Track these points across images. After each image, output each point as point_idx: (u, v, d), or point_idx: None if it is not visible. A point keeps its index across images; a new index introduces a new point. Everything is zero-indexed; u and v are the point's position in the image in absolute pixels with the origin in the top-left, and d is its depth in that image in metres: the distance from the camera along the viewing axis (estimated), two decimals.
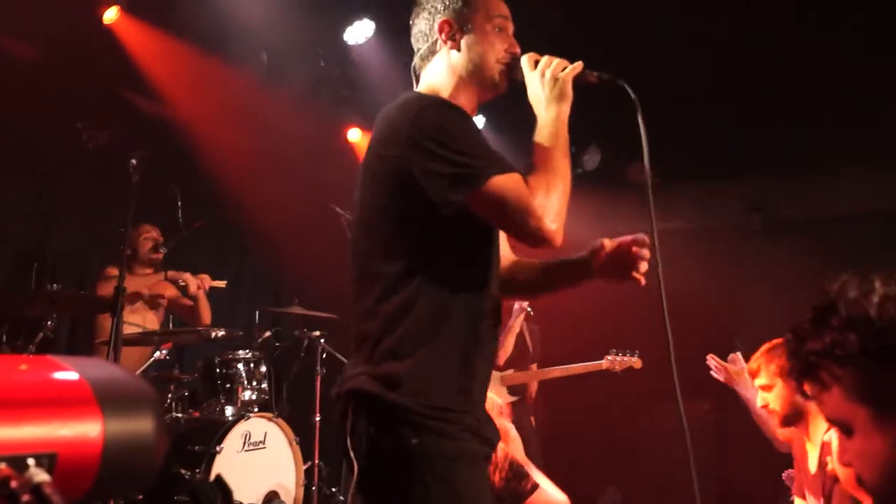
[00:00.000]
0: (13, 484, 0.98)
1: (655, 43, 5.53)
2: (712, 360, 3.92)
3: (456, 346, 2.01)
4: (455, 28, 2.21)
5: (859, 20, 5.29)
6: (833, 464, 2.56)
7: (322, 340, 5.50)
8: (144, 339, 4.76)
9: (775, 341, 3.24)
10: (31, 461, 1.03)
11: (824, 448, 3.00)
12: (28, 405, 1.08)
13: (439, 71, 2.23)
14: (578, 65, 2.16)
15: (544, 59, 2.17)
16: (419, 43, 2.28)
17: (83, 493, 1.13)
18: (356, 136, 7.15)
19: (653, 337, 5.71)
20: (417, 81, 2.31)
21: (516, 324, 5.75)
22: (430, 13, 2.25)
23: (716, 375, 3.91)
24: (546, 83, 2.13)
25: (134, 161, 4.05)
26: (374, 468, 1.97)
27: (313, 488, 5.03)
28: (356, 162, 7.16)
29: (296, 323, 5.93)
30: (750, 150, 6.38)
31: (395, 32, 6.13)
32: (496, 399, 2.20)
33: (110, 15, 5.22)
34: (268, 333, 5.52)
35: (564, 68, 2.15)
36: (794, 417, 3.19)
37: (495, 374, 5.69)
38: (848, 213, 6.74)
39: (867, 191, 6.61)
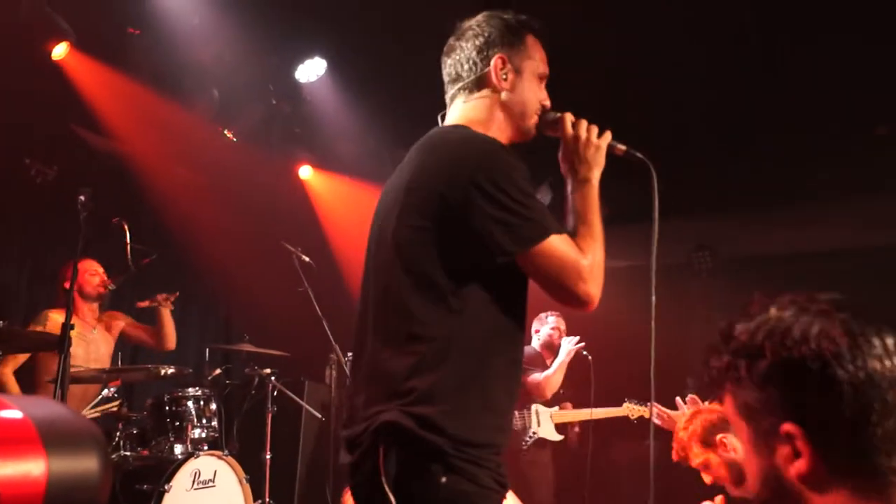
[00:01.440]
0: None
1: (602, 84, 5.64)
2: (655, 408, 3.81)
3: (490, 393, 1.96)
4: (508, 67, 2.17)
5: (803, 65, 5.45)
6: None
7: (273, 378, 5.47)
8: (92, 376, 4.70)
9: (687, 419, 3.21)
10: None
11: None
12: None
13: (483, 106, 2.17)
14: (608, 133, 2.18)
15: (581, 122, 2.18)
16: (463, 69, 2.20)
17: None
18: (307, 174, 7.17)
19: (603, 373, 5.76)
20: (447, 106, 2.25)
21: (566, 359, 5.62)
22: (485, 43, 2.18)
23: (658, 423, 3.78)
24: (587, 147, 2.14)
25: (82, 197, 4.01)
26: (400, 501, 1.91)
27: None
28: (307, 199, 7.18)
29: (246, 360, 5.90)
30: (698, 190, 6.51)
31: (346, 71, 6.21)
32: None
33: (59, 51, 5.18)
34: (218, 371, 5.47)
35: (596, 134, 2.16)
36: (738, 478, 3.03)
37: (545, 409, 5.73)
38: (796, 251, 6.89)
39: (814, 229, 6.78)
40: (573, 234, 2.03)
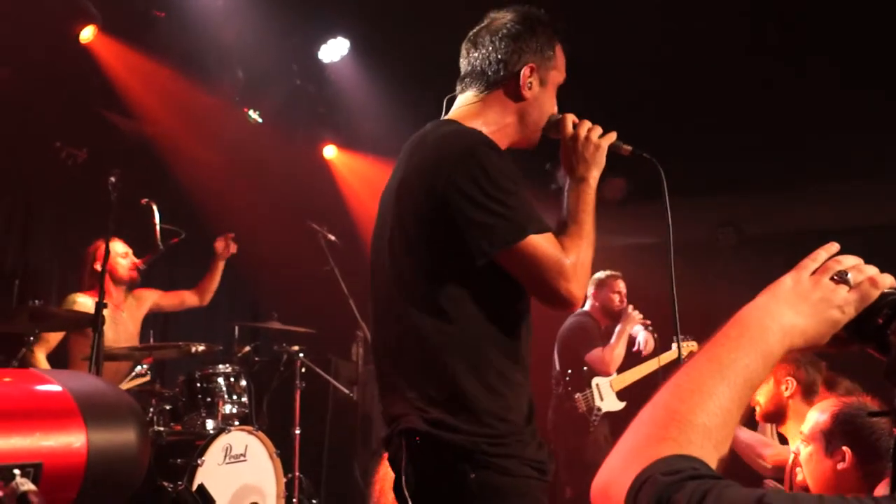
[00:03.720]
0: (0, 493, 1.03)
1: (630, 61, 5.61)
2: None
3: (489, 379, 1.95)
4: (535, 77, 2.13)
5: (835, 47, 5.40)
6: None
7: (301, 355, 5.54)
8: (125, 354, 4.79)
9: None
10: (16, 471, 1.08)
11: (794, 458, 3.08)
12: (13, 417, 1.13)
13: (495, 108, 2.14)
14: (612, 134, 2.16)
15: (584, 122, 2.15)
16: (489, 67, 2.14)
17: (68, 502, 1.18)
18: (332, 153, 7.22)
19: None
20: (451, 101, 2.23)
21: (629, 329, 5.41)
22: (518, 48, 2.13)
23: None
24: (586, 147, 2.11)
25: (112, 178, 4.08)
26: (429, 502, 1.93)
27: (294, 500, 5.06)
28: (332, 179, 7.22)
29: (275, 337, 5.97)
30: (723, 167, 6.47)
31: (370, 51, 6.23)
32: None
33: (87, 34, 5.25)
34: (247, 348, 5.55)
35: (599, 134, 2.13)
36: (775, 415, 3.36)
37: (604, 381, 5.45)
38: (821, 227, 6.85)
39: (840, 207, 6.73)
40: (561, 232, 2.01)
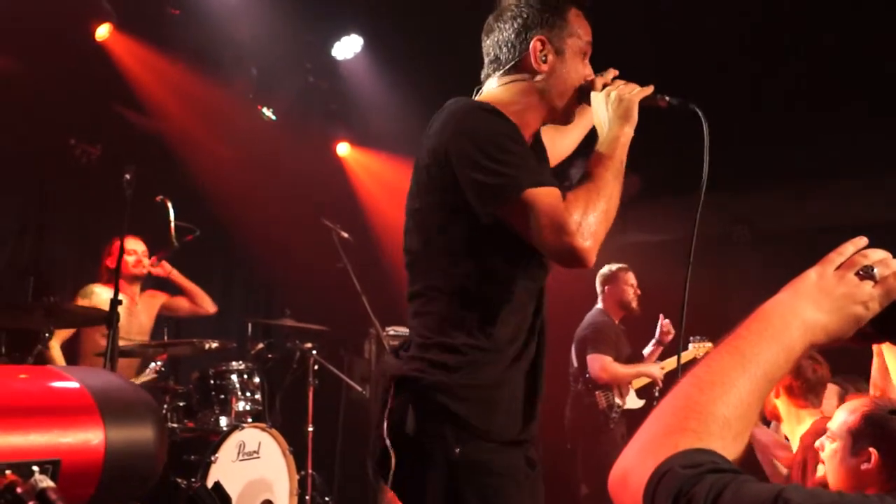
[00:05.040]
0: (19, 490, 1.04)
1: (644, 56, 5.60)
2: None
3: (504, 356, 1.98)
4: (548, 48, 2.09)
5: (841, 39, 5.38)
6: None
7: (314, 352, 5.55)
8: (139, 351, 4.82)
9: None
10: (35, 468, 1.08)
11: (809, 451, 3.07)
12: (31, 414, 1.14)
13: (514, 90, 2.12)
14: (649, 88, 2.10)
15: (615, 81, 2.11)
16: (501, 52, 2.13)
17: (86, 498, 1.18)
18: (345, 150, 7.23)
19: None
20: (482, 85, 2.21)
21: (644, 373, 5.44)
22: (523, 24, 2.10)
23: None
24: (611, 102, 2.05)
25: (127, 175, 4.09)
26: (413, 472, 1.93)
27: (307, 498, 5.07)
28: (345, 176, 7.23)
29: (288, 335, 5.98)
30: (737, 164, 6.45)
31: (383, 48, 6.23)
32: None
33: (102, 32, 5.28)
34: (260, 345, 5.56)
35: (632, 91, 2.08)
36: (774, 414, 3.44)
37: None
38: (834, 224, 6.81)
39: (853, 203, 6.69)
40: (573, 188, 1.96)
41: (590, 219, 1.86)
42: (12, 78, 4.93)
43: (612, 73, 2.15)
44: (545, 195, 1.87)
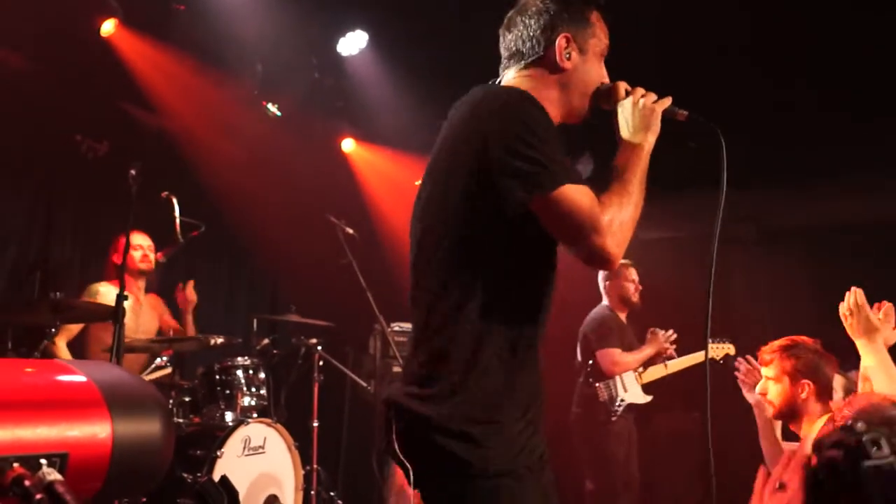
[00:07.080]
0: (27, 483, 1.04)
1: (649, 53, 5.58)
2: (744, 364, 3.72)
3: (503, 368, 1.92)
4: (572, 46, 2.10)
5: (847, 38, 5.36)
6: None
7: (319, 348, 5.56)
8: (145, 346, 4.83)
9: (796, 338, 3.34)
10: (43, 461, 1.09)
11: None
12: (39, 407, 1.14)
13: (536, 83, 2.09)
14: (668, 99, 2.13)
15: (637, 89, 2.13)
16: (525, 46, 2.12)
17: (94, 492, 1.19)
18: (350, 147, 7.23)
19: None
20: (496, 79, 2.18)
21: (651, 354, 5.45)
22: (550, 21, 2.10)
23: (742, 378, 3.72)
24: (637, 112, 2.08)
25: (133, 171, 4.10)
26: (422, 477, 1.94)
27: (312, 492, 5.09)
28: (351, 172, 7.24)
29: (293, 330, 5.99)
30: (743, 161, 6.42)
31: (388, 44, 6.23)
32: None
33: (107, 27, 5.28)
34: (266, 341, 5.57)
35: (654, 100, 2.11)
36: (789, 414, 3.33)
37: (630, 375, 5.43)
38: (839, 223, 6.80)
39: (858, 202, 6.68)
40: (603, 190, 1.95)
41: (620, 223, 1.89)
42: (18, 74, 4.94)
43: (625, 84, 2.16)
44: (583, 194, 1.87)
